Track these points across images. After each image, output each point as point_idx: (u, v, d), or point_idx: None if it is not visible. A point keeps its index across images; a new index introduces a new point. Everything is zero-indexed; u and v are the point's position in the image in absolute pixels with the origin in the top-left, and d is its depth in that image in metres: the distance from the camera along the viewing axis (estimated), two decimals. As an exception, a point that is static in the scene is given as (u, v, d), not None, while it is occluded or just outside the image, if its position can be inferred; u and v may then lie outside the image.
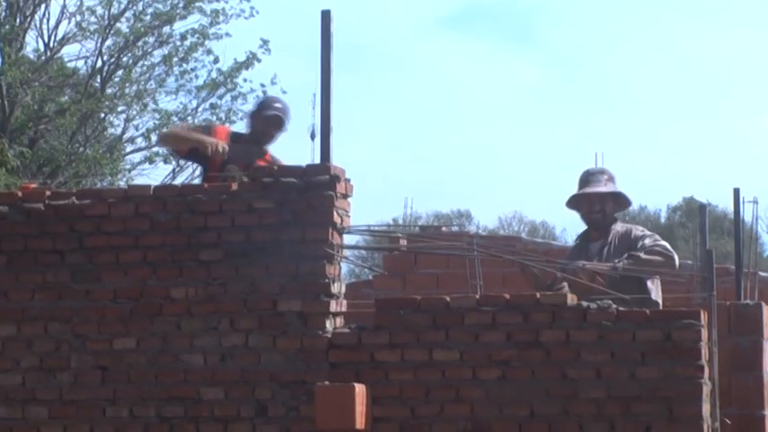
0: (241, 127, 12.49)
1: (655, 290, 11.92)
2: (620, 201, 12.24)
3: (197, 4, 37.13)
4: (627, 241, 11.83)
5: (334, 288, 10.47)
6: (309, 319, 10.34)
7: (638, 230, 12.25)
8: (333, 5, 10.66)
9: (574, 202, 12.21)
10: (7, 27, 36.08)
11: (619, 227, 12.11)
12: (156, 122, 37.91)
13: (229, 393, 10.37)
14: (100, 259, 10.62)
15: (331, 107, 10.86)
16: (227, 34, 37.41)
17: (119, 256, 10.61)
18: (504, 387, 10.18)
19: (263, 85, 37.01)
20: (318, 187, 10.44)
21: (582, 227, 12.76)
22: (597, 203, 11.98)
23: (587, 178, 12.12)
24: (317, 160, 10.64)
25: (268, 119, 12.81)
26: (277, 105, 13.14)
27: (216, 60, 37.61)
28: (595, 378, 10.10)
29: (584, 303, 10.27)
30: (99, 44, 37.59)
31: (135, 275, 10.55)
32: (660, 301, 11.84)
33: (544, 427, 9.85)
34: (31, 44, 37.39)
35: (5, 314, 10.67)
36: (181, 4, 37.20)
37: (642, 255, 11.70)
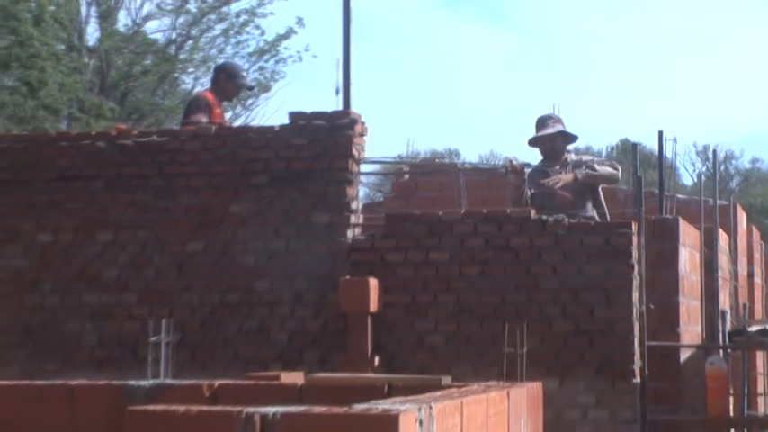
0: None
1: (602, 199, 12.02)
2: (567, 137, 12.23)
3: (248, 3, 37.44)
4: (580, 165, 11.87)
5: (354, 205, 10.50)
6: (335, 229, 10.36)
7: (587, 157, 12.38)
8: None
9: (534, 142, 12.23)
10: (104, 7, 36.23)
11: (573, 156, 12.13)
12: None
13: (274, 285, 10.40)
14: (175, 183, 10.63)
15: (350, 69, 10.91)
16: (270, 13, 37.40)
17: (190, 181, 10.62)
18: (483, 280, 10.21)
19: (298, 52, 37.05)
20: (341, 128, 10.46)
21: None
22: (548, 142, 12.02)
23: (540, 123, 12.15)
24: (340, 108, 10.71)
25: (240, 87, 12.90)
26: (244, 75, 13.23)
27: (262, 33, 37.61)
28: (552, 273, 10.13)
29: (544, 217, 10.34)
30: (174, 20, 37.76)
31: (202, 195, 10.56)
32: (605, 208, 11.93)
33: (513, 310, 9.87)
34: (122, 21, 37.39)
35: (104, 224, 10.67)
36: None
37: (596, 167, 11.76)
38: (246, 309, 10.46)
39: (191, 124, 11.74)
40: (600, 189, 12.01)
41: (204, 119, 11.93)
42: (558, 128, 12.04)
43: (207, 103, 12.35)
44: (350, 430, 3.17)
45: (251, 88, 12.63)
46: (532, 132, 12.27)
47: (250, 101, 35.77)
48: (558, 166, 11.87)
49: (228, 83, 12.66)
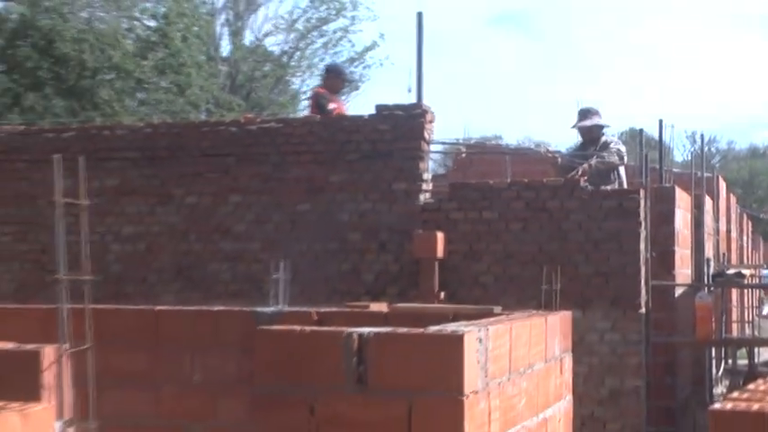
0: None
1: (623, 173, 11.99)
2: (601, 126, 12.32)
3: (343, 12, 37.70)
4: (605, 146, 11.89)
5: (424, 176, 10.47)
6: (410, 195, 10.34)
7: (609, 138, 12.34)
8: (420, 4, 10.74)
9: (577, 128, 12.35)
10: (234, 27, 36.73)
11: (604, 138, 12.18)
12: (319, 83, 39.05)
13: (363, 237, 10.40)
14: (288, 159, 10.64)
15: (422, 72, 10.88)
16: (359, 30, 37.89)
17: (299, 157, 10.64)
18: (524, 234, 10.16)
19: (380, 60, 37.72)
20: (414, 117, 10.42)
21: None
22: (587, 131, 12.08)
23: (582, 114, 12.22)
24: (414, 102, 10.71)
25: (345, 81, 12.89)
26: (347, 72, 13.23)
27: (353, 45, 37.98)
28: (578, 229, 10.05)
29: (570, 185, 10.32)
30: (286, 36, 38.14)
31: (308, 168, 10.56)
32: (624, 179, 11.91)
33: (547, 256, 9.80)
34: (248, 37, 37.82)
35: (235, 190, 10.71)
36: (333, 12, 37.78)
37: (605, 155, 11.73)
38: (342, 255, 10.47)
39: (326, 113, 11.76)
40: (620, 167, 12.02)
41: (333, 105, 11.96)
42: (595, 120, 12.16)
43: (326, 96, 12.38)
44: (426, 347, 3.15)
45: (352, 81, 12.63)
46: (570, 120, 12.47)
47: (343, 97, 36.09)
48: (592, 148, 11.92)
49: (336, 79, 12.65)
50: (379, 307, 6.29)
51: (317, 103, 12.59)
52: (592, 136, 12.12)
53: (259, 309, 5.42)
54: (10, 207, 11.40)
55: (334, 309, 5.71)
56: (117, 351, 4.74)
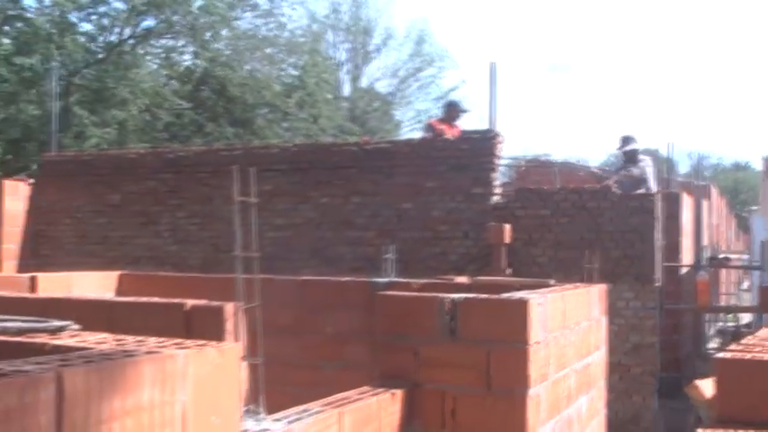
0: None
1: (653, 181, 11.66)
2: (636, 149, 11.98)
3: (433, 63, 37.69)
4: (640, 160, 11.65)
5: (495, 183, 10.41)
6: (485, 197, 10.29)
7: (640, 158, 11.94)
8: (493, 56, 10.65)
9: (620, 150, 12.03)
10: (353, 74, 36.99)
11: (638, 157, 11.86)
12: (414, 115, 39.04)
13: (450, 228, 10.37)
14: (395, 170, 10.65)
15: (495, 105, 10.80)
16: (444, 76, 38.05)
17: (403, 169, 10.65)
18: (570, 226, 10.03)
19: (460, 98, 37.68)
20: (489, 138, 10.37)
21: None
22: (628, 154, 11.75)
23: (624, 140, 11.89)
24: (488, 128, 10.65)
25: (459, 111, 12.71)
26: (462, 108, 13.04)
27: (440, 87, 37.91)
28: (610, 222, 9.90)
29: (604, 191, 10.17)
30: (391, 81, 38.32)
31: (410, 177, 10.58)
32: (652, 187, 11.57)
33: (587, 243, 9.65)
34: (363, 81, 38.04)
35: (355, 193, 10.76)
36: (426, 63, 37.89)
37: (633, 171, 11.46)
38: (434, 241, 10.45)
39: (440, 135, 11.73)
40: (650, 178, 11.73)
41: (446, 134, 11.91)
42: (634, 146, 11.82)
43: (433, 126, 12.35)
44: (501, 308, 3.12)
45: (465, 111, 12.52)
46: (603, 140, 12.38)
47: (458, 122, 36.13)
48: (632, 166, 11.61)
49: (454, 110, 12.61)
50: (462, 280, 6.24)
51: (428, 130, 12.58)
52: (632, 157, 11.88)
53: (375, 279, 5.42)
54: (196, 205, 11.61)
55: (429, 281, 5.68)
56: (273, 309, 4.77)
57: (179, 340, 1.59)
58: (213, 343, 1.50)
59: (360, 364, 4.95)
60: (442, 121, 12.42)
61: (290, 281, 5.45)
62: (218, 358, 1.51)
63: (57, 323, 1.89)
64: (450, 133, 11.86)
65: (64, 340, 1.76)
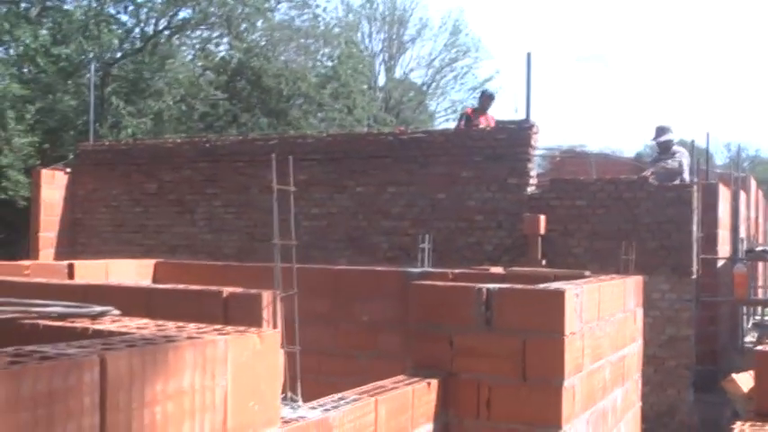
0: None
1: (689, 172, 11.44)
2: (671, 139, 11.76)
3: (468, 53, 37.63)
4: (674, 152, 11.41)
5: (531, 173, 10.36)
6: (521, 187, 10.25)
7: (676, 149, 11.68)
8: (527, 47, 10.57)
9: (655, 141, 11.80)
10: (388, 65, 36.97)
11: (674, 148, 11.63)
12: (449, 106, 38.94)
13: (485, 218, 10.35)
14: (430, 159, 10.65)
15: (530, 96, 10.74)
16: (479, 67, 37.96)
17: (438, 158, 10.63)
18: (606, 217, 9.97)
19: (495, 89, 37.60)
20: (524, 129, 10.32)
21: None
22: (663, 144, 11.47)
23: (659, 130, 11.66)
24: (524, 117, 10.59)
25: (490, 99, 12.64)
26: (490, 94, 12.97)
27: (475, 77, 37.79)
28: (647, 213, 9.82)
29: (641, 181, 10.09)
30: (426, 71, 38.26)
31: (445, 166, 10.56)
32: (688, 178, 11.36)
33: (624, 234, 9.59)
34: (397, 72, 38.04)
35: (391, 183, 10.76)
36: (461, 53, 37.77)
37: (668, 163, 11.28)
38: (469, 231, 10.43)
39: (475, 125, 11.69)
40: (686, 169, 11.56)
41: (483, 121, 11.86)
42: (669, 136, 11.59)
43: (468, 115, 12.31)
44: (537, 298, 3.11)
45: (493, 99, 12.47)
46: (637, 131, 12.33)
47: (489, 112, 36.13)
48: (667, 157, 11.41)
49: (488, 100, 12.55)
50: (497, 270, 6.22)
51: (463, 120, 12.55)
52: (666, 147, 11.73)
53: (409, 269, 5.43)
54: (232, 194, 11.68)
55: (464, 271, 5.67)
56: (308, 298, 4.80)
57: (219, 326, 1.61)
58: (254, 329, 1.51)
59: (393, 353, 4.96)
60: (477, 110, 12.37)
61: (325, 270, 5.47)
62: (258, 344, 1.52)
63: (97, 308, 1.91)
64: (484, 123, 11.81)
65: (105, 325, 1.79)
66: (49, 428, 1.12)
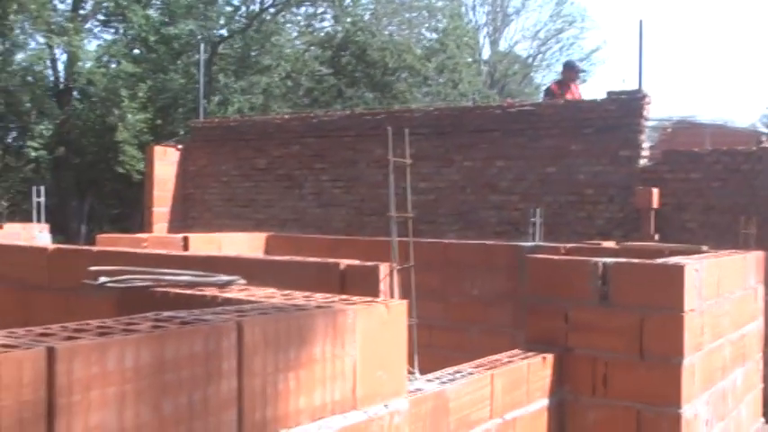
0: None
1: None
2: None
3: (574, 24, 36.96)
4: None
5: (643, 145, 10.14)
6: (632, 160, 10.03)
7: None
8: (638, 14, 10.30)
9: None
10: (492, 38, 36.55)
11: None
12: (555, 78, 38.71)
13: (596, 191, 10.18)
14: (539, 132, 10.50)
15: (642, 64, 10.50)
16: (585, 37, 37.13)
17: (548, 131, 10.49)
18: (722, 190, 9.67)
19: (603, 59, 36.77)
20: (636, 99, 10.07)
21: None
22: None
23: None
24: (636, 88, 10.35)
25: (577, 72, 12.42)
26: (579, 68, 12.76)
27: (582, 49, 37.20)
28: (766, 186, 9.49)
29: (760, 152, 9.72)
30: (531, 43, 37.78)
31: (553, 139, 10.41)
32: None
33: (741, 207, 9.26)
34: (501, 45, 37.57)
35: (499, 157, 10.69)
36: (567, 24, 37.11)
37: None
38: (579, 205, 10.28)
39: (558, 97, 11.53)
40: None
41: (569, 96, 11.71)
42: None
43: (553, 91, 12.14)
44: (656, 274, 3.05)
45: (582, 71, 12.30)
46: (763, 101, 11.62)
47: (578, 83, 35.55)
48: None
49: (571, 71, 12.37)
50: (609, 245, 6.13)
51: (549, 95, 12.38)
52: None
53: (521, 243, 5.40)
54: (339, 169, 11.80)
55: (576, 245, 5.60)
56: (418, 272, 4.83)
57: (344, 297, 1.64)
58: (380, 299, 1.53)
59: (503, 327, 4.95)
60: (561, 83, 12.15)
61: (435, 243, 5.49)
62: (385, 314, 1.55)
63: (225, 277, 1.97)
64: (569, 96, 11.59)
65: (233, 294, 1.84)
66: (192, 391, 1.17)
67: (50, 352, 1.02)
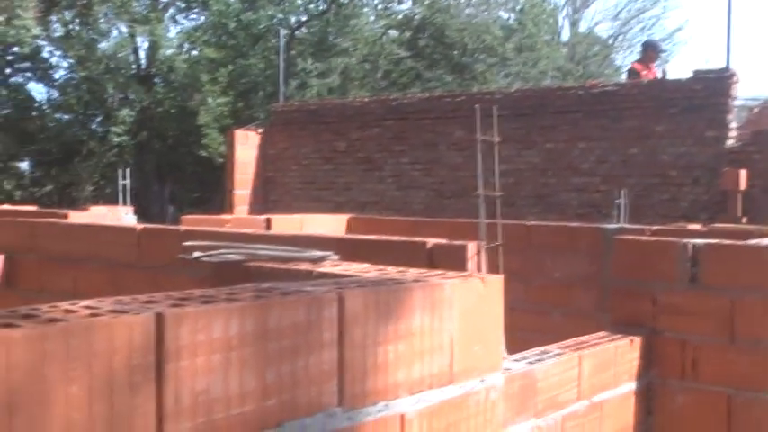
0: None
1: None
2: None
3: (657, 2, 36.17)
4: None
5: (731, 125, 9.92)
6: (719, 140, 9.84)
7: None
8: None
9: None
10: (572, 18, 35.97)
11: None
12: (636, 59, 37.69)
13: (680, 173, 10.02)
14: (622, 113, 10.38)
15: (730, 42, 10.24)
16: (667, 17, 36.55)
17: (631, 112, 10.34)
18: (759, 162, 9.44)
19: (685, 39, 35.96)
20: (724, 78, 9.86)
21: None
22: None
23: None
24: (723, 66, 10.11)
25: (658, 52, 12.16)
26: (660, 48, 12.50)
27: (664, 29, 36.47)
28: None
29: None
30: (612, 24, 36.97)
31: (637, 120, 10.27)
32: None
33: None
34: (582, 26, 36.99)
35: (581, 138, 10.59)
36: (649, 3, 36.34)
37: None
38: (663, 187, 10.11)
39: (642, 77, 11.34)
40: None
41: (645, 72, 11.50)
42: None
43: (636, 70, 11.92)
44: (748, 255, 2.97)
45: (663, 51, 12.14)
46: None
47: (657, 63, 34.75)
48: None
49: (651, 51, 12.14)
50: (695, 227, 6.01)
51: (632, 75, 12.14)
52: None
53: (605, 225, 5.33)
54: (419, 151, 11.81)
55: (661, 227, 5.51)
56: (501, 253, 4.82)
57: (440, 271, 1.64)
58: (477, 273, 1.53)
59: (586, 310, 4.90)
60: (641, 62, 11.90)
61: (517, 225, 5.45)
62: (482, 289, 1.55)
63: (318, 253, 2.00)
64: (648, 75, 11.35)
65: (327, 268, 1.87)
66: (293, 360, 1.19)
67: (159, 317, 1.05)
